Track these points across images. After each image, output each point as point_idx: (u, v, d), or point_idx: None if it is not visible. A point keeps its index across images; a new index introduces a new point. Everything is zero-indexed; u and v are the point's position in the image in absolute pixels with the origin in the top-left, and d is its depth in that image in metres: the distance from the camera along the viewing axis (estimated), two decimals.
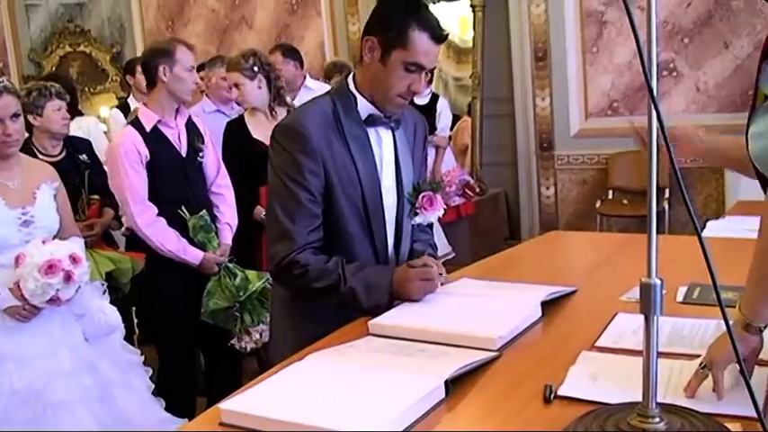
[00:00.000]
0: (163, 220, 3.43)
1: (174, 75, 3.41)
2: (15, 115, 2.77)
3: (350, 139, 2.16)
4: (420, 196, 2.24)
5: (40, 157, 3.70)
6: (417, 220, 2.26)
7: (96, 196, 3.89)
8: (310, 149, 2.11)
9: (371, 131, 2.21)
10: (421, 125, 2.42)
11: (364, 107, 2.19)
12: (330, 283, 2.09)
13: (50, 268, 2.66)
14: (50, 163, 3.71)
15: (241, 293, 3.48)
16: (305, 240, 2.12)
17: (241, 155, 3.86)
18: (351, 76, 2.24)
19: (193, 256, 3.46)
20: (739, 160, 1.84)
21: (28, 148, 3.69)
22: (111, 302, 3.64)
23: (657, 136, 1.22)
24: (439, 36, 2.15)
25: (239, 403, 1.51)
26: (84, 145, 4.12)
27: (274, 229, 2.18)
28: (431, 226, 2.48)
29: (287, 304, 2.32)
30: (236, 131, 3.98)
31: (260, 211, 3.91)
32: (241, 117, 4.08)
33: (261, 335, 3.49)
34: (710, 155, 2.15)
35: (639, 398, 1.31)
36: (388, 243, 2.26)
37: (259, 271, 3.58)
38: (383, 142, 2.24)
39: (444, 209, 2.31)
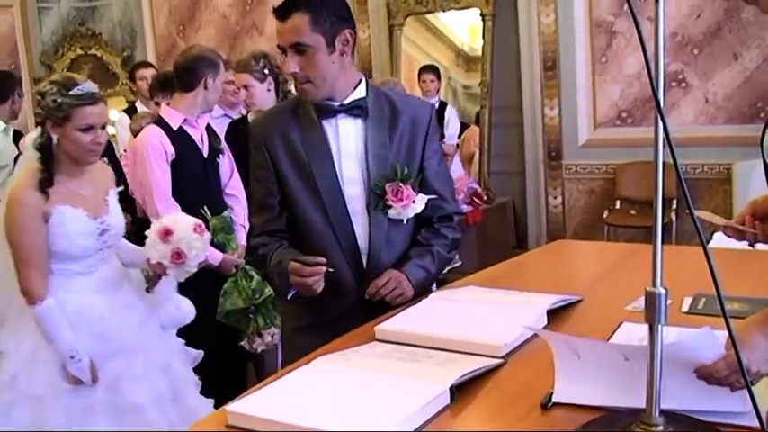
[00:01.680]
0: None
1: (215, 86, 3.57)
2: (105, 125, 2.75)
3: (304, 131, 2.25)
4: (387, 187, 2.23)
5: None
6: (392, 214, 2.25)
7: None
8: (256, 143, 2.30)
9: (329, 123, 2.26)
10: (423, 117, 2.36)
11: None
12: (265, 269, 2.28)
13: (198, 228, 2.84)
14: None
15: (257, 296, 3.49)
16: (261, 229, 2.32)
17: (245, 156, 3.86)
18: None
19: (213, 257, 3.46)
20: None
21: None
22: None
23: (664, 147, 1.23)
24: (277, 13, 2.17)
25: (246, 406, 1.52)
26: (107, 149, 4.12)
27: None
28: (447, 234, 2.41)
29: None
30: (239, 133, 3.95)
31: None
32: (244, 118, 4.08)
33: (272, 337, 3.50)
34: None
35: (630, 402, 1.32)
36: (357, 236, 2.25)
37: None
38: (341, 132, 2.25)
39: (420, 204, 2.28)
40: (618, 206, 6.20)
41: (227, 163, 3.72)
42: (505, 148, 6.68)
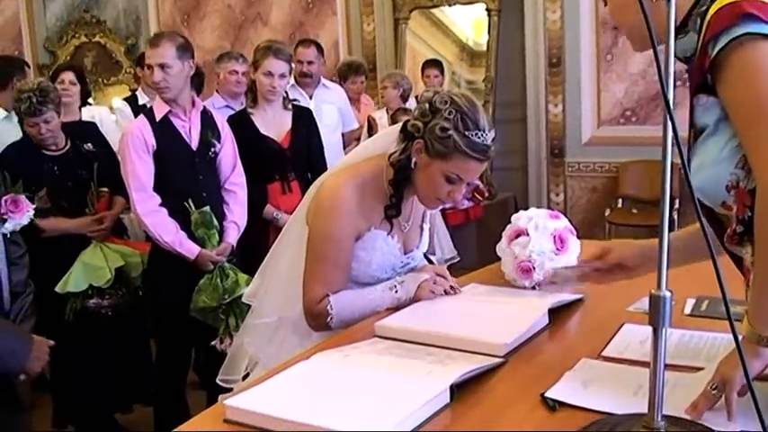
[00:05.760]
0: (164, 211, 3.42)
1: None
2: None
3: None
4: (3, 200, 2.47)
5: (44, 152, 3.69)
6: (8, 227, 2.50)
7: (105, 189, 3.84)
8: None
9: None
10: None
11: None
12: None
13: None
14: (54, 157, 3.69)
15: (227, 296, 3.41)
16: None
17: (248, 151, 3.80)
18: None
19: (189, 250, 3.42)
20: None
21: (31, 148, 3.68)
22: (123, 295, 3.63)
23: (672, 146, 1.22)
24: None
25: (244, 400, 1.51)
26: (90, 131, 4.05)
27: None
28: None
29: None
30: (240, 127, 3.87)
31: (270, 210, 3.88)
32: (243, 112, 4.01)
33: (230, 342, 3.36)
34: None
35: (626, 408, 1.31)
36: None
37: None
38: None
39: None
40: (620, 204, 6.19)
41: (228, 156, 3.64)
42: (508, 144, 6.67)
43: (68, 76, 4.72)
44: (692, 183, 1.41)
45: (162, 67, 3.37)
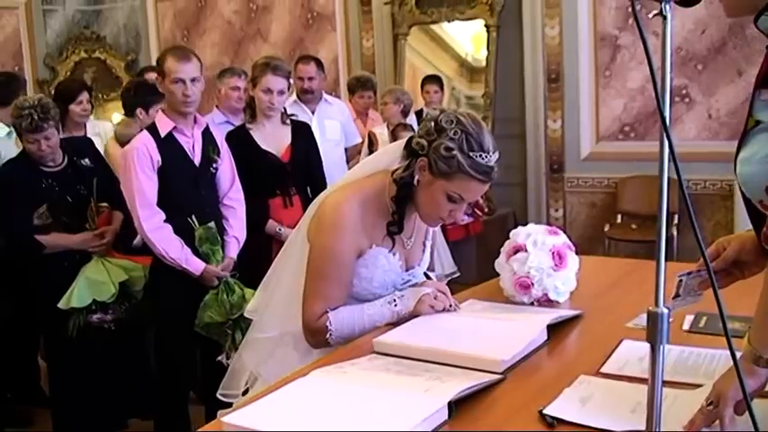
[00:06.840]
0: (169, 227, 3.40)
1: (165, 86, 3.44)
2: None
3: None
4: None
5: (43, 168, 3.68)
6: None
7: (105, 204, 3.85)
8: None
9: None
10: None
11: None
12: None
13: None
14: (53, 173, 3.68)
15: (234, 311, 3.41)
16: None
17: (248, 167, 3.80)
18: None
19: (194, 266, 3.42)
20: None
21: (30, 164, 3.67)
22: (126, 309, 3.62)
23: (669, 163, 1.22)
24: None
25: (242, 417, 1.50)
26: (85, 146, 4.04)
27: None
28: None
29: None
30: (240, 143, 3.87)
31: (273, 225, 3.88)
32: (242, 127, 4.01)
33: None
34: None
35: (624, 425, 1.31)
36: None
37: None
38: None
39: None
40: (619, 220, 6.19)
41: (227, 172, 3.64)
42: (507, 159, 6.60)
43: (86, 95, 4.77)
44: (736, 171, 1.39)
45: (193, 81, 3.40)
